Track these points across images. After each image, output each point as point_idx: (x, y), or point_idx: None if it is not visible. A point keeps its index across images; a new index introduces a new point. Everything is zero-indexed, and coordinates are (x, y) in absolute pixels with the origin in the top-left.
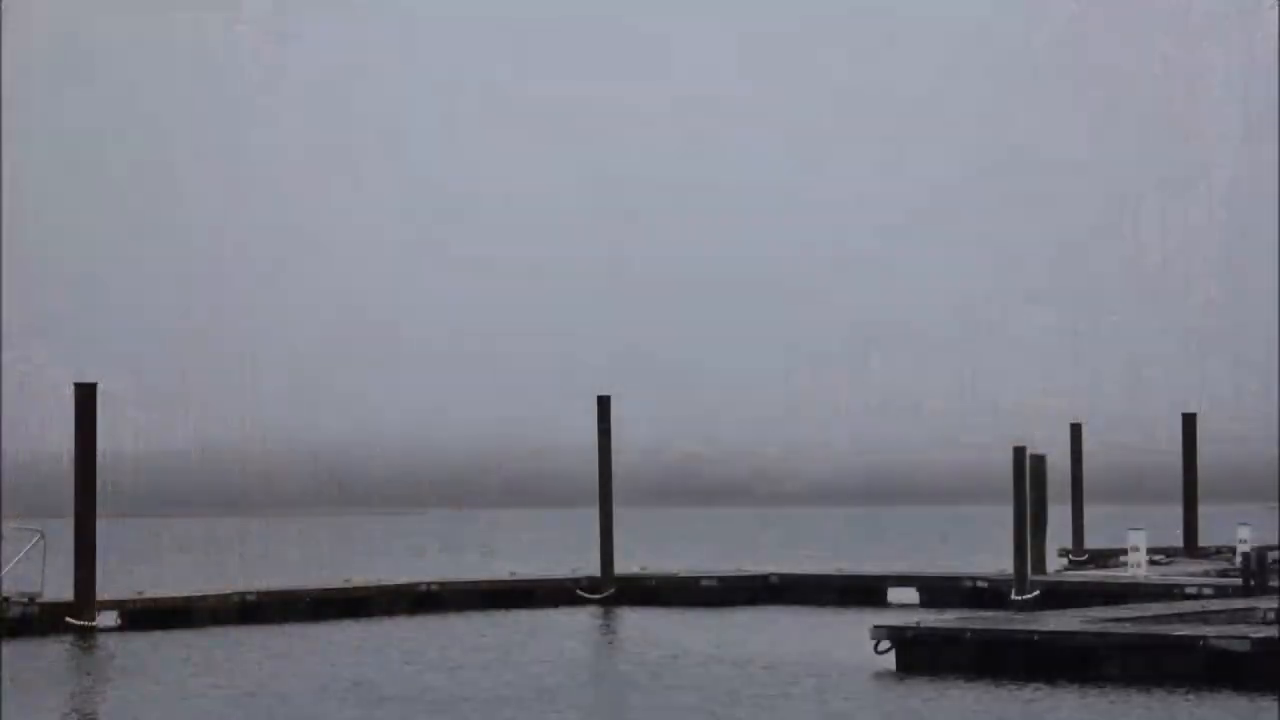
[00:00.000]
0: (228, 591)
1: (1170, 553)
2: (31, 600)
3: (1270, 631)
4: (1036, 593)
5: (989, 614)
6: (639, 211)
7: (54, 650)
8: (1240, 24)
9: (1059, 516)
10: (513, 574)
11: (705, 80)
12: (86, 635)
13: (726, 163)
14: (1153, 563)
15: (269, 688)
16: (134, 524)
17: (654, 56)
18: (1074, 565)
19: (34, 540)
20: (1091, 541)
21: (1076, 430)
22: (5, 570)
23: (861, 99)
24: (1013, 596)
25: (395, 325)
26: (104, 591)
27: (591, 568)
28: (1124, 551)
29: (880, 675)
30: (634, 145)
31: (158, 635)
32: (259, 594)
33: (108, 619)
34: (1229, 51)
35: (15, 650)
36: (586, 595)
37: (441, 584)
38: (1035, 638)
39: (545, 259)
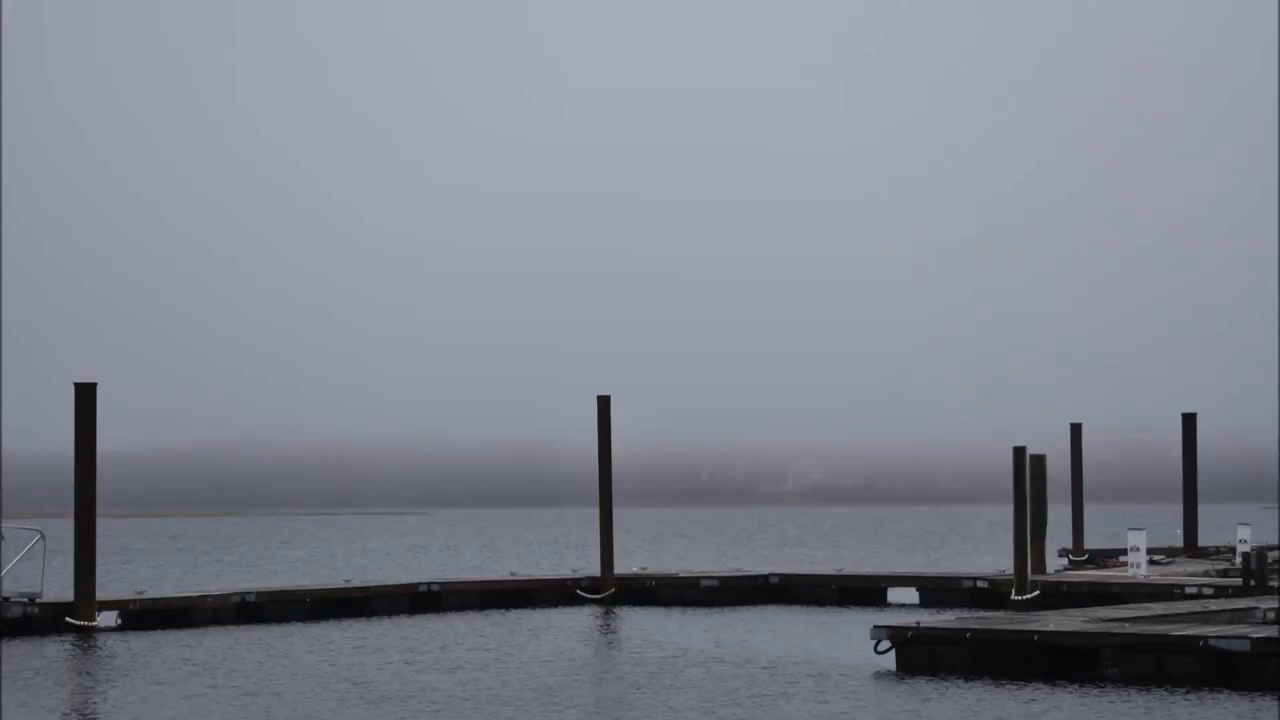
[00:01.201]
0: (228, 591)
1: (1170, 553)
2: (31, 600)
3: (1270, 631)
4: (1036, 593)
5: (989, 614)
6: (640, 212)
7: (54, 650)
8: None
9: (1059, 516)
10: (513, 574)
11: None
12: (86, 635)
13: (722, 169)
14: (1153, 563)
15: (269, 688)
16: (134, 524)
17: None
18: (1074, 565)
19: (34, 540)
20: (1091, 541)
21: (1076, 430)
22: (5, 570)
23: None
24: (1013, 596)
25: (395, 326)
26: (104, 591)
27: (591, 568)
28: (1124, 551)
29: (880, 675)
30: (640, 149)
31: (158, 635)
32: (259, 594)
33: (108, 619)
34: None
35: (15, 650)
36: (586, 595)
37: (442, 584)
38: (1035, 638)
39: (547, 258)
